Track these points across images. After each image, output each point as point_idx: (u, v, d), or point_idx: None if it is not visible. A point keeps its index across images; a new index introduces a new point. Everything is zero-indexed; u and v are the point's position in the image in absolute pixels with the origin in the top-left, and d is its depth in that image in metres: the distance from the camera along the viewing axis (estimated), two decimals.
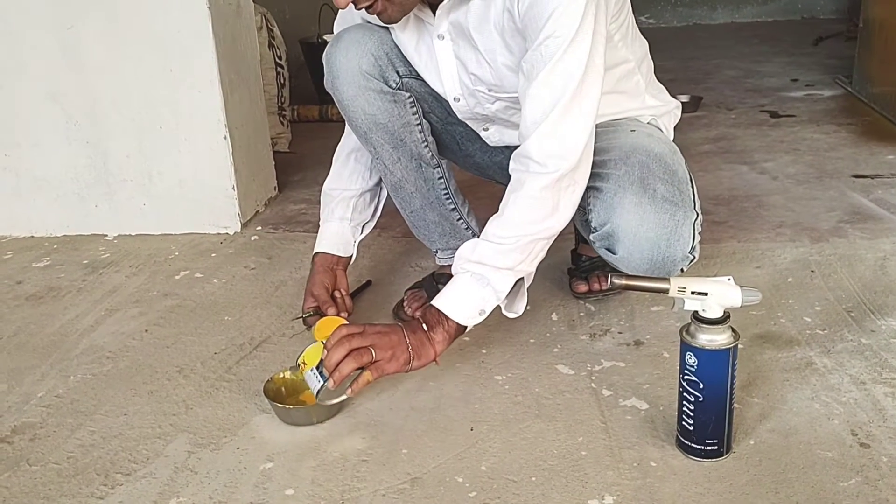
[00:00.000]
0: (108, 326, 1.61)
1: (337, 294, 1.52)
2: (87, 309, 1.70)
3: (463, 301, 1.22)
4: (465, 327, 1.23)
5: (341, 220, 1.55)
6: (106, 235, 2.10)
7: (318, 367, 1.21)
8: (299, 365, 1.26)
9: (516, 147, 1.48)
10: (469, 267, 1.22)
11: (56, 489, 1.14)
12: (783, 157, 2.42)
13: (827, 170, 2.27)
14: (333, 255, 1.54)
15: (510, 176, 1.27)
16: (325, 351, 1.19)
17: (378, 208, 1.62)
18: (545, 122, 1.18)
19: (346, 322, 1.29)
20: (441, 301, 1.22)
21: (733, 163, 2.38)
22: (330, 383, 1.17)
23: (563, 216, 1.23)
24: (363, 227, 1.60)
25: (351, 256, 1.57)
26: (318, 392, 1.20)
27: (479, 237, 1.23)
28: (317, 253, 1.54)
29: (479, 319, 1.23)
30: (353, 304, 1.54)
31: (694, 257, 1.27)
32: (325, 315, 1.43)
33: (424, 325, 1.21)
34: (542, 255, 1.25)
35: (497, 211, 1.24)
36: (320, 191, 1.61)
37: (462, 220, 1.57)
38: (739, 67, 3.77)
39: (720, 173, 2.28)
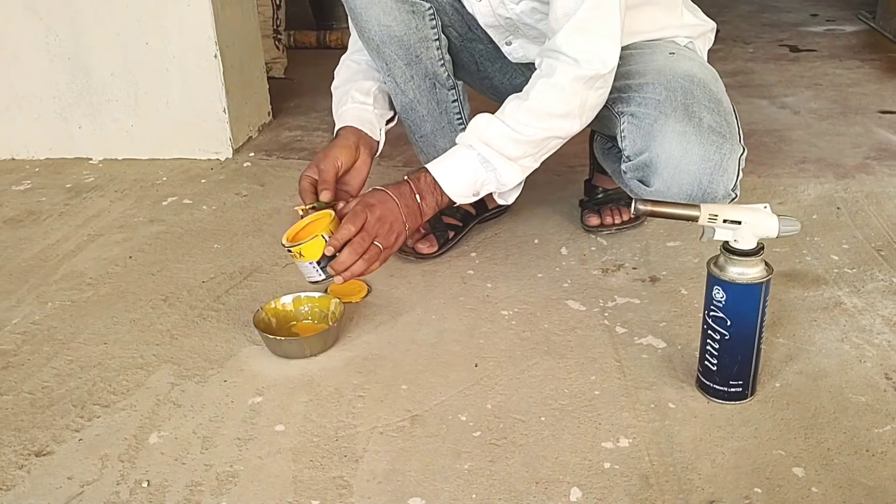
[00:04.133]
0: (90, 252, 1.52)
1: (352, 183, 1.28)
2: (68, 233, 1.60)
3: (462, 178, 1.18)
4: (454, 202, 1.20)
5: (362, 105, 1.34)
6: (90, 159, 1.99)
7: (319, 262, 1.13)
8: (289, 249, 1.14)
9: None
10: (477, 146, 1.16)
11: (29, 420, 1.06)
12: (804, 91, 2.30)
13: (851, 105, 2.16)
14: (361, 130, 1.30)
15: None
16: (330, 248, 1.11)
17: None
18: (578, 14, 1.09)
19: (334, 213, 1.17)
20: (439, 171, 1.18)
21: (752, 97, 2.27)
22: (338, 279, 1.13)
23: (586, 118, 1.17)
24: (386, 120, 1.40)
25: (378, 143, 1.34)
26: (314, 282, 1.16)
27: (492, 114, 1.16)
28: (344, 126, 1.31)
29: (470, 200, 1.22)
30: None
31: (735, 195, 1.17)
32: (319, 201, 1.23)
33: (417, 197, 1.17)
34: (550, 154, 1.20)
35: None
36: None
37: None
38: (755, 2, 3.61)
39: (738, 107, 2.08)
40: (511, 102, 1.16)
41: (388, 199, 1.16)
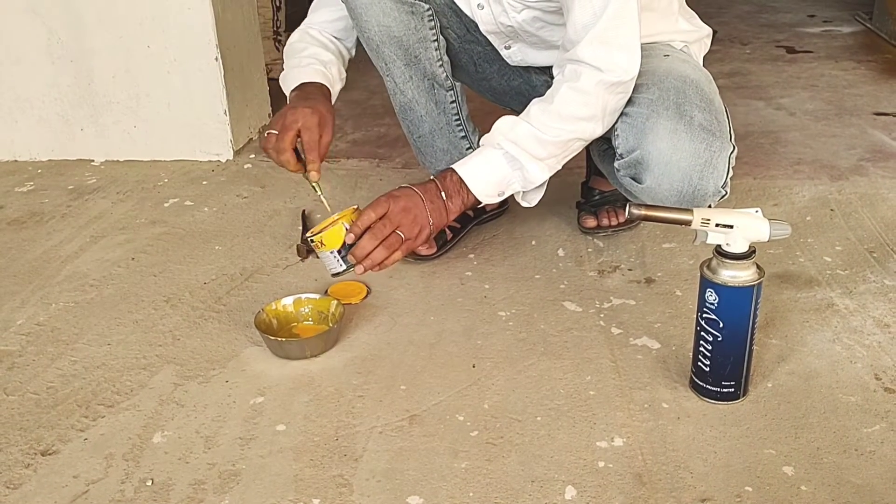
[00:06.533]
0: (93, 253, 1.54)
1: (326, 140, 1.22)
2: (71, 235, 1.62)
3: (489, 177, 1.18)
4: (480, 202, 1.20)
5: (323, 67, 1.31)
6: (92, 160, 2.01)
7: (339, 252, 1.15)
8: (311, 240, 1.16)
9: (536, 70, 1.40)
10: (505, 144, 1.17)
11: (34, 420, 1.08)
12: (800, 93, 2.32)
13: (846, 107, 2.18)
14: (324, 84, 1.29)
15: (527, 103, 1.20)
16: (350, 235, 1.13)
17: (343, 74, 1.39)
18: (598, 25, 1.11)
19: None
20: (466, 171, 1.18)
21: (749, 98, 2.28)
22: (359, 269, 1.14)
23: (607, 122, 1.19)
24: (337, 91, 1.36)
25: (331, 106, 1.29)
26: (336, 273, 1.17)
27: (516, 116, 1.18)
28: (303, 83, 1.28)
29: (496, 200, 1.21)
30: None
31: (725, 193, 1.19)
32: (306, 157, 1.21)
33: (443, 194, 1.18)
34: (573, 155, 1.22)
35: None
36: None
37: (472, 150, 1.47)
38: (753, 2, 3.62)
39: (735, 109, 2.18)
40: (535, 105, 1.18)
41: (413, 194, 1.17)
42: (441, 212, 1.18)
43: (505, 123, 1.18)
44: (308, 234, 1.17)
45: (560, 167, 1.22)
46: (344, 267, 1.16)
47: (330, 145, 1.24)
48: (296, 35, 1.40)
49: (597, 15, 1.11)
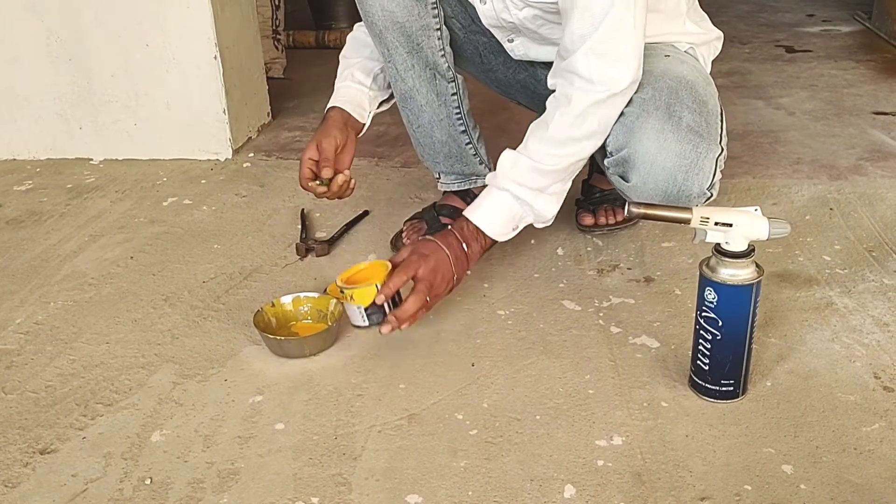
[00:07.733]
0: (92, 252, 1.54)
1: (344, 160, 1.33)
2: (69, 234, 1.62)
3: (500, 219, 1.23)
4: (497, 241, 1.25)
5: (360, 85, 1.41)
6: (91, 159, 2.01)
7: (367, 309, 1.18)
8: (342, 291, 1.19)
9: (542, 64, 1.41)
10: (510, 186, 1.20)
11: (32, 419, 1.08)
12: (799, 92, 2.32)
13: (846, 106, 2.18)
14: (349, 113, 1.37)
15: (532, 97, 1.20)
16: (381, 296, 1.16)
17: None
18: (594, 36, 1.11)
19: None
20: (478, 217, 1.23)
21: (748, 98, 2.28)
22: (385, 328, 1.13)
23: (605, 133, 1.20)
24: (380, 102, 1.45)
25: (364, 126, 1.41)
26: (357, 326, 1.21)
27: (516, 150, 1.21)
28: (333, 107, 1.38)
29: (512, 235, 1.25)
30: (352, 185, 1.34)
31: (712, 195, 1.20)
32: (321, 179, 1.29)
33: (464, 245, 1.22)
34: (578, 170, 1.24)
35: (507, 141, 1.20)
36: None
37: (471, 146, 1.47)
38: (753, 2, 3.62)
39: (734, 108, 2.18)
40: (533, 135, 1.20)
41: (439, 249, 1.20)
42: (463, 262, 1.23)
43: (507, 160, 1.21)
44: (339, 284, 1.20)
45: (568, 185, 1.24)
46: (367, 324, 1.20)
47: (335, 150, 1.30)
48: (348, 39, 1.46)
49: (594, 26, 1.11)
